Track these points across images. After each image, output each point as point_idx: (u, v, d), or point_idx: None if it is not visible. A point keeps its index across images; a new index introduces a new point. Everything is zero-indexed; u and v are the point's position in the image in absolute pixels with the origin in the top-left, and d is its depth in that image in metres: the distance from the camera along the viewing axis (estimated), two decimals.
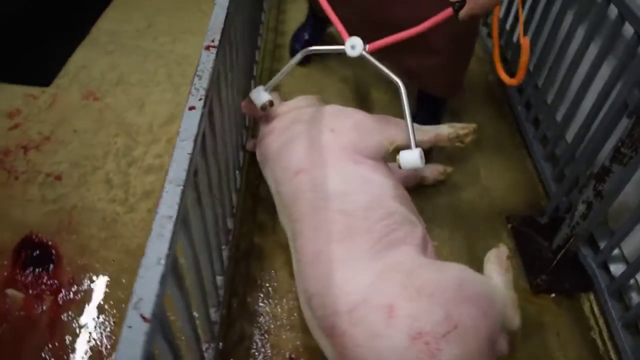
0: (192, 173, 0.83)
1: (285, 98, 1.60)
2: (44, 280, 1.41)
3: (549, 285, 1.48)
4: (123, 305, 1.37)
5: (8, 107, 1.86)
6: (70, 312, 1.35)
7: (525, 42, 1.22)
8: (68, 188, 1.63)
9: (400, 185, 1.28)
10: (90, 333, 1.31)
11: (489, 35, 2.24)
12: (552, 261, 1.50)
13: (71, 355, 1.27)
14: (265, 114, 1.45)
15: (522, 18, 1.18)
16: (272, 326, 1.36)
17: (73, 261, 1.45)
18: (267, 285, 1.44)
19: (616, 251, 1.42)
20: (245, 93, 1.61)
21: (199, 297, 1.03)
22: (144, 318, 0.63)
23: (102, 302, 1.37)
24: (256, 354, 1.30)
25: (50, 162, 1.70)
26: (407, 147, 1.19)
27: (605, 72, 1.39)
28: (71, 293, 1.39)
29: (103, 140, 1.78)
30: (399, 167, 1.17)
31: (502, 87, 2.06)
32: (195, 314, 1.07)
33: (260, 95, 1.39)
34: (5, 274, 1.41)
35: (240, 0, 1.36)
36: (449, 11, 1.18)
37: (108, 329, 1.32)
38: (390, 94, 2.01)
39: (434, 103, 1.78)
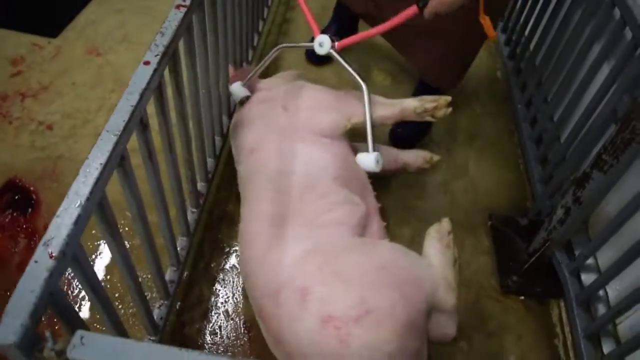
0: (136, 124, 0.83)
1: None
2: (21, 223, 1.45)
3: (520, 287, 1.45)
4: (92, 256, 1.40)
5: (13, 53, 1.90)
6: None
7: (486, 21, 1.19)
8: (57, 138, 1.66)
9: (351, 167, 1.24)
10: None
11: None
12: (525, 263, 1.47)
13: None
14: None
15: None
16: (230, 293, 1.37)
17: (51, 208, 1.48)
18: (233, 252, 1.45)
19: (590, 260, 1.37)
20: (238, 60, 1.60)
21: (148, 253, 1.05)
22: (51, 255, 0.64)
23: None
24: (211, 317, 1.32)
25: (44, 111, 1.73)
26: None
27: (604, 75, 1.34)
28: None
29: (99, 95, 1.80)
30: None
31: (507, 83, 2.00)
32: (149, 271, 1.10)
33: (238, 91, 1.41)
34: None
35: None
36: (413, 9, 1.16)
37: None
38: (390, 80, 1.98)
39: (430, 94, 1.74)
